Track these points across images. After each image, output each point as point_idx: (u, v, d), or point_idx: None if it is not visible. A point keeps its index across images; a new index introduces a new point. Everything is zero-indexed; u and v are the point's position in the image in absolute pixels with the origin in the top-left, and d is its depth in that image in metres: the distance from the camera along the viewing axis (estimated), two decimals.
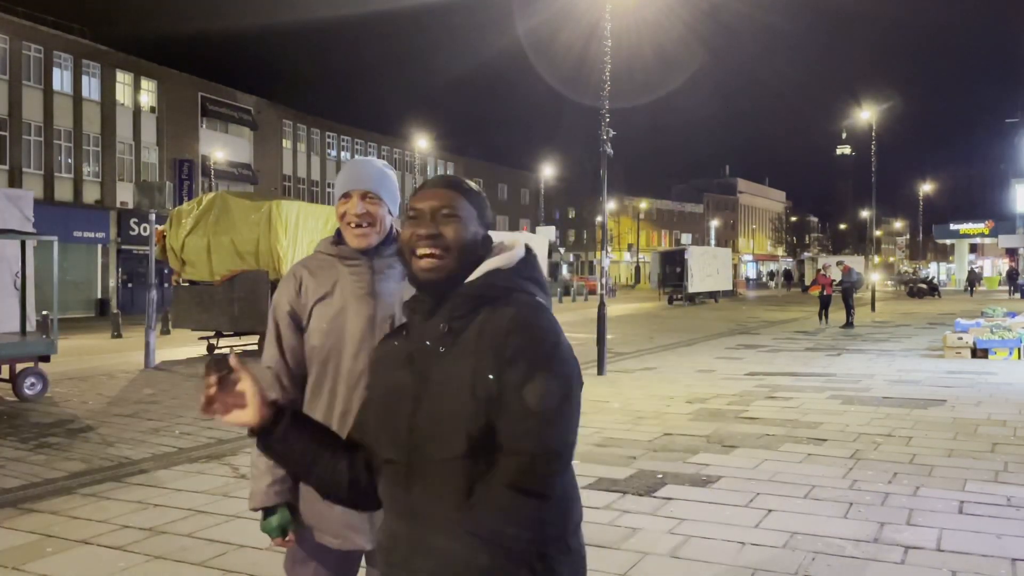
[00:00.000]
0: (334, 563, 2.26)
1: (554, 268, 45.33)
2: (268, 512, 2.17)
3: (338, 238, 2.29)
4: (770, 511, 5.16)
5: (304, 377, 2.24)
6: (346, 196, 2.22)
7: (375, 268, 2.24)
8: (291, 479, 2.18)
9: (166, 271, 22.91)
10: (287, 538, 2.18)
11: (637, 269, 77.97)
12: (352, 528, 2.18)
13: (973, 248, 73.43)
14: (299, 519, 2.20)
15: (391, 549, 1.53)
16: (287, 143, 46.64)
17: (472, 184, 1.63)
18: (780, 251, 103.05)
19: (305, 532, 2.22)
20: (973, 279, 50.70)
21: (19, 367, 10.00)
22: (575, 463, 5.40)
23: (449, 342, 1.48)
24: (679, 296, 38.50)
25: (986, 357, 13.54)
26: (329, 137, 50.50)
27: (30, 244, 11.05)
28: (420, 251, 1.50)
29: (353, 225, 2.20)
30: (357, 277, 2.22)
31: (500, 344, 1.43)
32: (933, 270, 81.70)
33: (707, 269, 39.71)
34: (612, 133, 13.51)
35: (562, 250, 68.18)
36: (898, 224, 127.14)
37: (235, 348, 15.14)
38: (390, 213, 2.27)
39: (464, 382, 1.44)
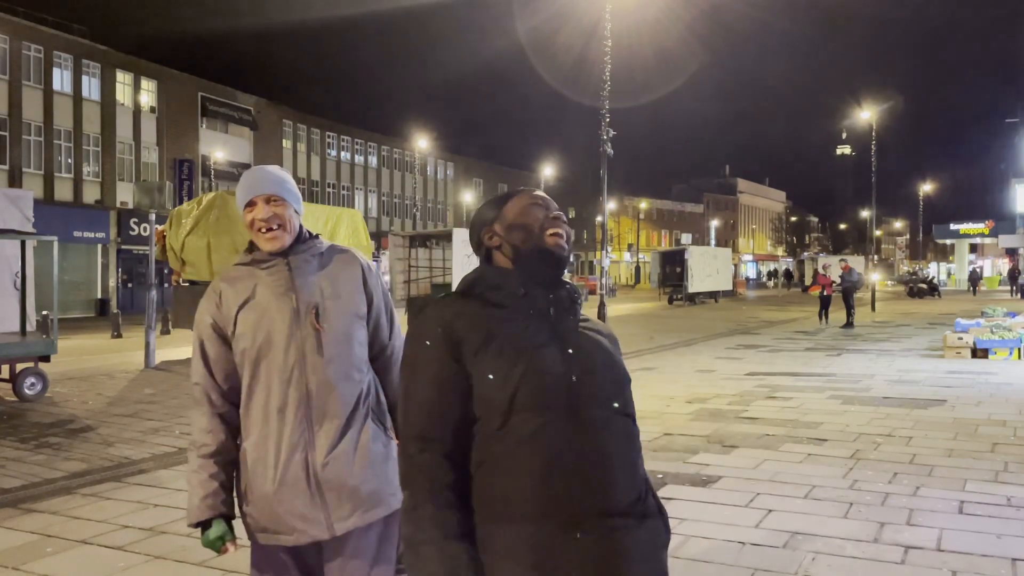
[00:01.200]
0: (294, 563, 2.28)
1: None
2: (205, 526, 2.19)
3: (252, 247, 2.35)
4: (770, 511, 5.16)
5: (234, 388, 2.27)
6: (251, 204, 2.29)
7: (291, 265, 2.29)
8: (224, 491, 2.21)
9: (166, 271, 22.94)
10: (223, 548, 2.21)
11: (637, 269, 77.98)
12: (307, 520, 2.19)
13: (973, 248, 73.45)
14: (242, 528, 2.25)
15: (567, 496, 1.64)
16: (287, 143, 46.64)
17: None
18: (780, 251, 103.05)
19: (256, 540, 2.25)
20: (975, 279, 50.92)
21: (19, 367, 9.99)
22: None
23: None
24: (679, 296, 38.48)
25: (986, 357, 13.54)
26: (329, 137, 50.49)
27: (30, 244, 11.04)
28: (554, 230, 1.81)
29: (263, 230, 2.27)
30: (275, 277, 2.28)
31: (609, 330, 1.95)
32: (933, 270, 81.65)
33: (707, 269, 39.69)
34: (612, 133, 13.52)
35: None
36: (898, 224, 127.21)
37: None
38: (296, 213, 2.33)
39: (609, 351, 1.81)
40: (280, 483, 2.18)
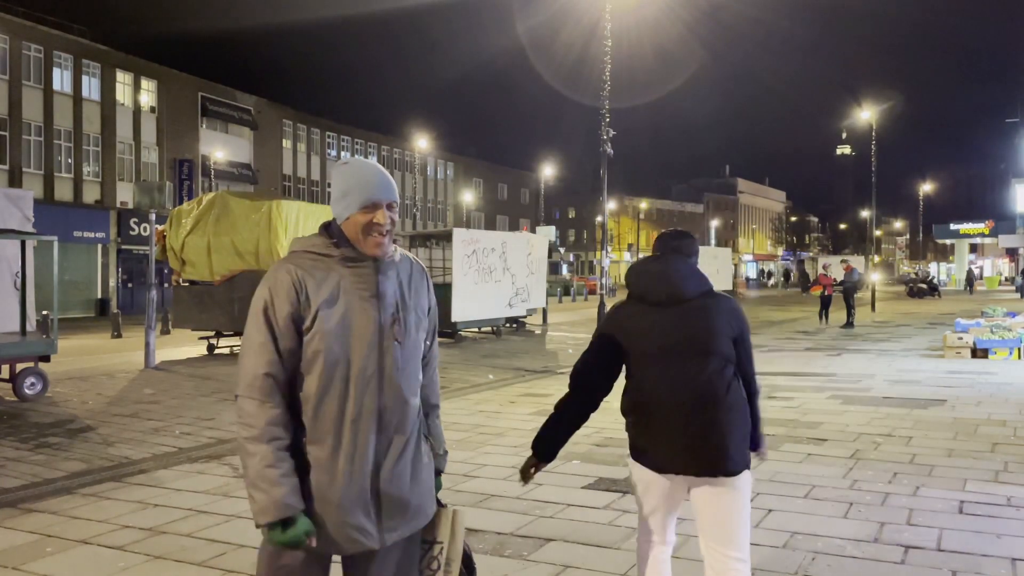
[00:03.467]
0: (322, 570, 2.24)
1: (554, 268, 45.30)
2: (287, 523, 2.09)
3: (332, 236, 2.25)
4: (770, 511, 5.16)
5: (295, 384, 2.18)
6: (373, 207, 2.22)
7: (380, 269, 2.24)
8: (299, 487, 2.12)
9: (166, 271, 22.92)
10: (309, 542, 2.12)
11: None
12: (364, 531, 2.17)
13: (973, 248, 73.45)
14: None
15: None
16: (287, 143, 46.64)
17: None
18: (780, 251, 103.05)
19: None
20: (972, 278, 51.96)
21: (19, 367, 9.99)
22: (575, 463, 5.41)
23: None
24: None
25: (986, 357, 13.53)
26: (329, 137, 50.49)
27: (30, 244, 11.04)
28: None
29: (377, 234, 2.22)
30: (360, 279, 2.21)
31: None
32: (933, 270, 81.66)
33: (707, 269, 39.49)
34: (612, 133, 13.52)
35: (562, 250, 68.22)
36: (898, 224, 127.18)
37: (235, 348, 15.14)
38: None
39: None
40: (346, 493, 2.15)
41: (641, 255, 67.94)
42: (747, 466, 2.92)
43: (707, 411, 2.83)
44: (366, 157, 53.57)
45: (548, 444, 3.21)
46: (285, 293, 2.16)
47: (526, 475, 3.14)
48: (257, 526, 2.11)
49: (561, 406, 3.17)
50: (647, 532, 3.05)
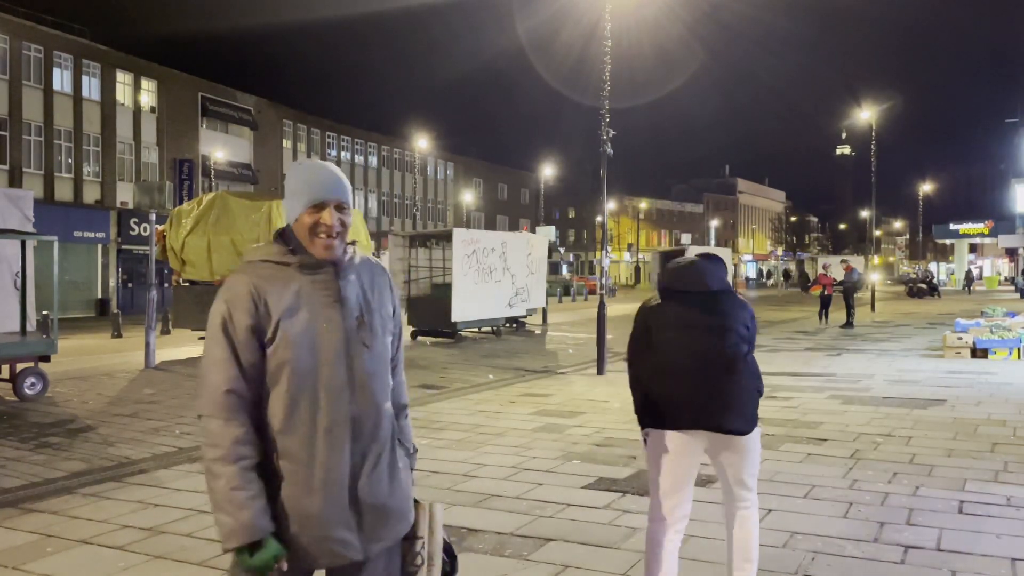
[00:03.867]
0: None
1: (554, 268, 45.31)
2: (254, 546, 2.01)
3: (288, 243, 2.18)
4: (770, 511, 5.16)
5: (260, 399, 2.10)
6: (319, 206, 2.15)
7: (340, 274, 2.17)
8: (269, 507, 2.05)
9: (166, 271, 22.93)
10: (278, 565, 2.06)
11: (637, 269, 77.98)
12: (345, 543, 2.10)
13: (973, 248, 73.44)
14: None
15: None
16: (287, 143, 46.64)
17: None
18: (780, 251, 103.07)
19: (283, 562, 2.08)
20: (970, 278, 52.79)
21: (19, 367, 10.00)
22: (575, 463, 5.41)
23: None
24: None
25: (986, 357, 13.54)
26: (329, 137, 50.49)
27: (30, 244, 11.04)
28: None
29: (324, 236, 2.15)
30: (321, 285, 2.14)
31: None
32: (933, 269, 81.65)
33: None
34: (612, 133, 13.50)
35: (562, 250, 68.22)
36: (898, 224, 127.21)
37: None
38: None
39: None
40: (325, 507, 2.08)
41: (641, 255, 67.56)
42: (756, 425, 3.42)
43: (726, 375, 3.33)
44: (366, 157, 53.69)
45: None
46: (243, 305, 2.08)
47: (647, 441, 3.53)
48: (225, 550, 2.03)
49: (633, 382, 3.57)
50: (659, 509, 3.38)
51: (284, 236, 2.20)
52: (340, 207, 2.18)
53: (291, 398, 2.08)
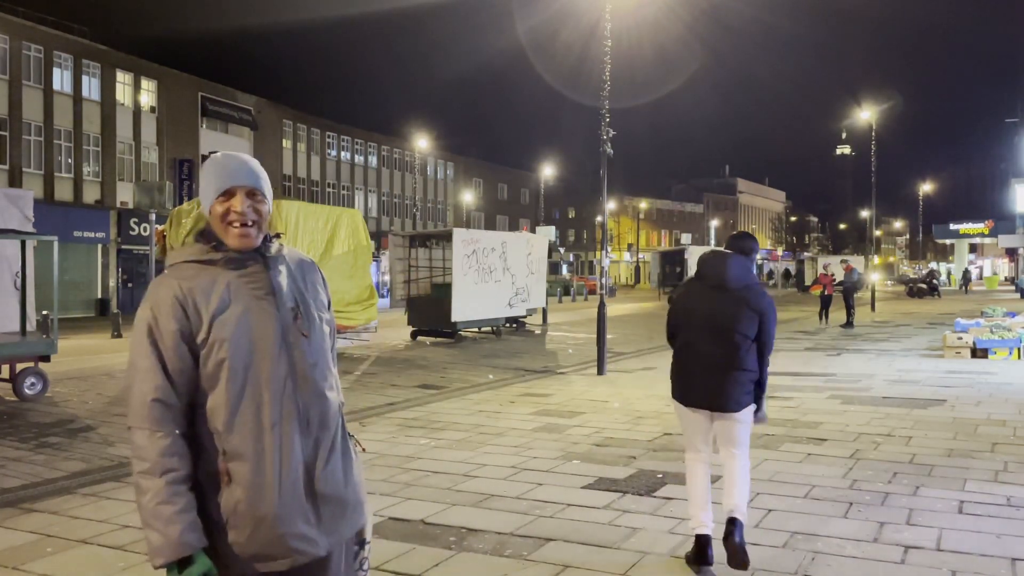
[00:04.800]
0: None
1: (554, 268, 45.30)
2: (184, 563, 1.92)
3: (210, 240, 2.11)
4: (770, 511, 5.16)
5: (190, 406, 2.03)
6: (228, 193, 2.08)
7: (269, 265, 2.12)
8: (199, 521, 1.97)
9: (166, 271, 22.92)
10: None
11: (637, 269, 77.99)
12: (305, 539, 2.04)
13: (973, 248, 73.44)
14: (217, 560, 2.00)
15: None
16: (287, 143, 46.64)
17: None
18: (780, 251, 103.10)
19: (234, 571, 2.02)
20: (968, 278, 53.44)
21: (19, 367, 10.00)
22: (575, 463, 5.41)
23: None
24: None
25: (986, 357, 13.54)
26: (329, 137, 50.49)
27: (30, 244, 11.05)
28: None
29: (237, 224, 2.07)
30: (250, 278, 2.08)
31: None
32: (929, 268, 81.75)
33: None
34: (612, 133, 13.50)
35: (562, 250, 68.22)
36: (898, 224, 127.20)
37: None
38: (268, 211, 2.16)
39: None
40: (281, 504, 2.01)
41: (641, 255, 67.41)
42: (747, 405, 4.22)
43: (725, 369, 4.16)
44: (366, 157, 53.71)
45: None
46: (169, 310, 2.00)
47: None
48: (154, 567, 1.94)
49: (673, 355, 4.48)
50: (689, 448, 4.41)
51: (205, 234, 2.13)
52: (251, 193, 2.11)
53: (232, 397, 2.00)
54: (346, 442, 2.21)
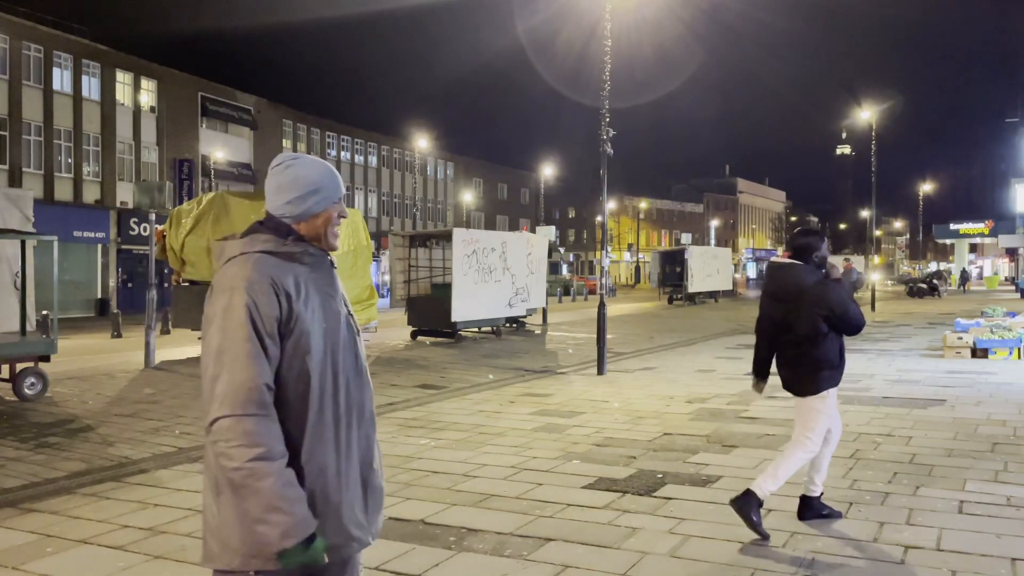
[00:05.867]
0: None
1: (554, 268, 45.30)
2: (307, 541, 1.97)
3: (282, 234, 2.15)
4: (770, 511, 5.16)
5: (279, 391, 2.06)
6: (339, 201, 2.25)
7: (334, 264, 2.27)
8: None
9: (166, 271, 22.92)
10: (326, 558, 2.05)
11: (637, 269, 77.98)
12: (361, 527, 2.15)
13: (973, 248, 73.41)
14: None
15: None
16: (287, 143, 46.62)
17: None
18: (780, 251, 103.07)
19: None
20: (965, 277, 54.04)
21: (19, 367, 9.99)
22: (575, 463, 5.42)
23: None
24: (679, 296, 38.48)
25: (986, 357, 13.53)
26: (329, 137, 50.49)
27: (30, 244, 11.04)
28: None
29: (338, 229, 2.25)
30: (321, 275, 2.17)
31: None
32: (934, 268, 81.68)
33: (707, 269, 39.65)
34: (612, 133, 13.49)
35: (562, 250, 68.19)
36: (898, 224, 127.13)
37: None
38: None
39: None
40: (348, 491, 2.12)
41: (641, 255, 67.13)
42: (814, 392, 4.80)
43: (798, 361, 4.82)
44: (366, 157, 53.69)
45: (763, 365, 5.08)
46: (268, 295, 2.01)
47: (758, 388, 5.18)
48: (278, 552, 1.95)
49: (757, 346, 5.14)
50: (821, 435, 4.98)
51: (274, 228, 2.15)
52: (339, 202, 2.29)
53: (318, 387, 2.07)
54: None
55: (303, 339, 2.05)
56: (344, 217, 2.26)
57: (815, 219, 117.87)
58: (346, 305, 2.26)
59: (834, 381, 4.83)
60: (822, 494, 5.01)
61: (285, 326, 2.04)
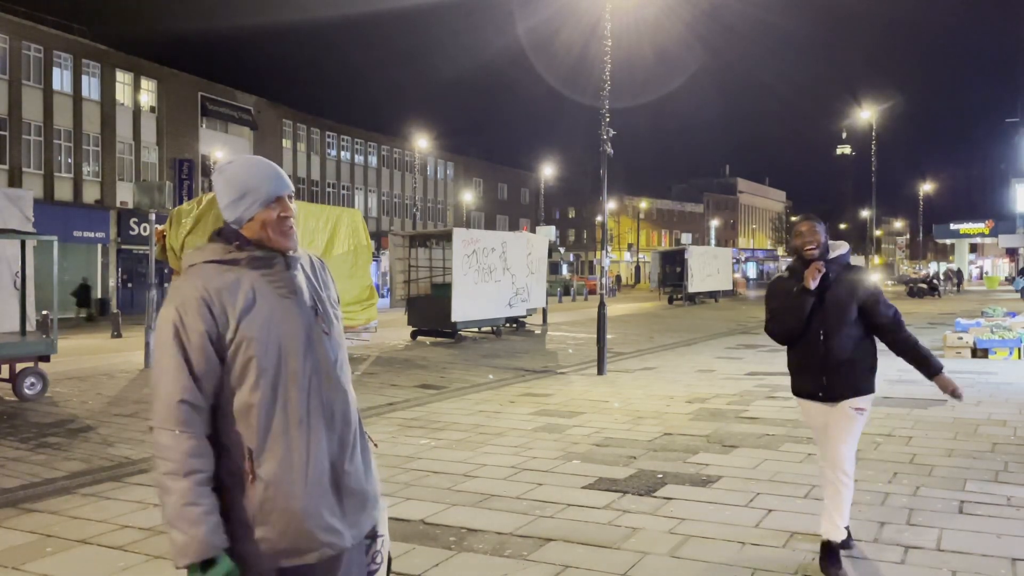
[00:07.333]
0: None
1: (554, 267, 45.31)
2: (207, 564, 1.95)
3: (230, 241, 2.15)
4: (770, 511, 5.16)
5: (212, 407, 2.05)
6: (278, 200, 2.17)
7: (290, 264, 2.17)
8: (222, 522, 1.99)
9: (166, 271, 22.90)
10: None
11: (637, 269, 77.97)
12: (332, 531, 2.09)
13: (973, 248, 73.42)
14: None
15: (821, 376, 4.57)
16: (287, 143, 46.63)
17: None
18: (780, 250, 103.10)
19: (262, 569, 2.04)
20: (960, 277, 53.91)
21: (19, 367, 10.00)
22: (575, 463, 5.42)
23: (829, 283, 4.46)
24: (679, 296, 38.49)
25: (986, 357, 13.54)
26: (329, 137, 50.49)
27: (30, 244, 11.04)
28: (808, 247, 4.40)
29: (287, 227, 2.17)
30: (274, 278, 2.13)
31: (858, 285, 4.63)
32: (934, 268, 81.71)
33: (707, 269, 39.66)
34: (612, 133, 13.50)
35: (562, 250, 68.21)
36: (898, 224, 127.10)
37: None
38: None
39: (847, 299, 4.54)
40: (309, 497, 2.06)
41: (641, 255, 67.10)
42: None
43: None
44: (366, 157, 53.68)
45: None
46: (196, 311, 2.01)
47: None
48: (177, 568, 1.98)
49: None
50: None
51: (225, 234, 2.18)
52: (291, 197, 2.22)
53: (264, 395, 2.04)
54: (364, 438, 2.28)
55: (245, 346, 2.03)
56: (287, 216, 2.16)
57: None
58: (320, 303, 2.19)
59: None
60: None
61: (223, 338, 2.03)
